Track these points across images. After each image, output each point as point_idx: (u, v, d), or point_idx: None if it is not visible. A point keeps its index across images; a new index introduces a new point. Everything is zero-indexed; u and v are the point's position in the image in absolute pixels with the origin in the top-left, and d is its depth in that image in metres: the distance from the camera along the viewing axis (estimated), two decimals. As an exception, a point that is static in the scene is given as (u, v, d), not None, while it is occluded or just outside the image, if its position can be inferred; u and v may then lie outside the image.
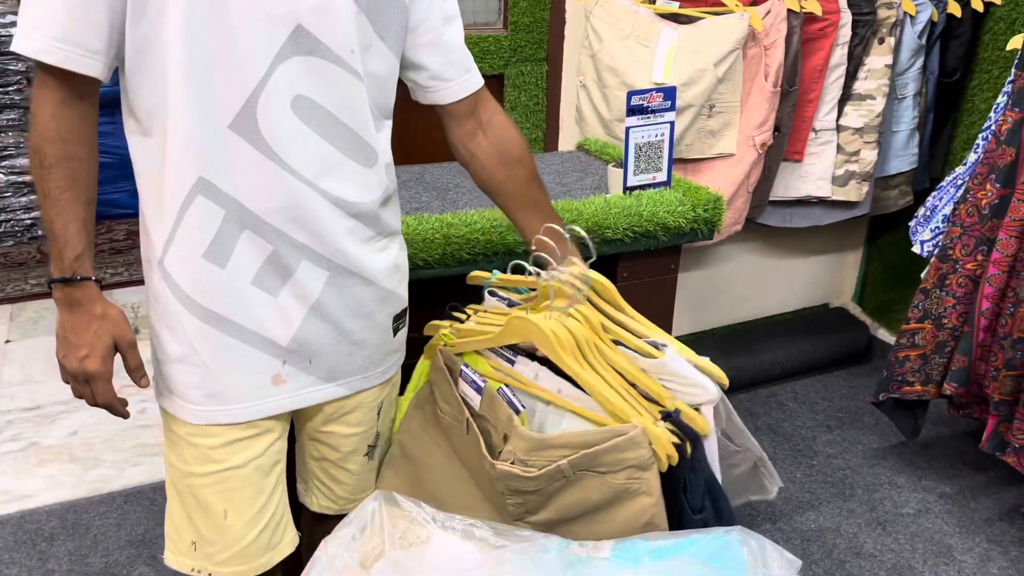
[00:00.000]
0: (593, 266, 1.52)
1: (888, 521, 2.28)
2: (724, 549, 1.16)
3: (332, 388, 1.30)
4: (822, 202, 2.61)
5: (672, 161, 1.84)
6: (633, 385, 1.30)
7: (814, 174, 2.53)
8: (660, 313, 1.96)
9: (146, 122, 1.11)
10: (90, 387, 1.15)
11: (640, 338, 1.32)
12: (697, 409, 1.30)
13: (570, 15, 2.41)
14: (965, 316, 2.22)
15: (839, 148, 2.50)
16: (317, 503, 1.46)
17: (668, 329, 1.99)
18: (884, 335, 3.10)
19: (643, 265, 1.86)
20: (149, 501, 2.28)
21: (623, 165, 1.82)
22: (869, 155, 2.49)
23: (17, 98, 3.44)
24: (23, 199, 3.45)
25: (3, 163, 3.29)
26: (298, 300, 1.20)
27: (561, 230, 1.36)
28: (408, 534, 1.18)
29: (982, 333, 2.19)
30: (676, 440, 1.24)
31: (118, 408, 1.19)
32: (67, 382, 1.16)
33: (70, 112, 1.08)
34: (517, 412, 1.31)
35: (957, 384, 2.23)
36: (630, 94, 1.75)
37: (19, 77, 3.32)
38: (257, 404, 1.24)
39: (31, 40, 1.04)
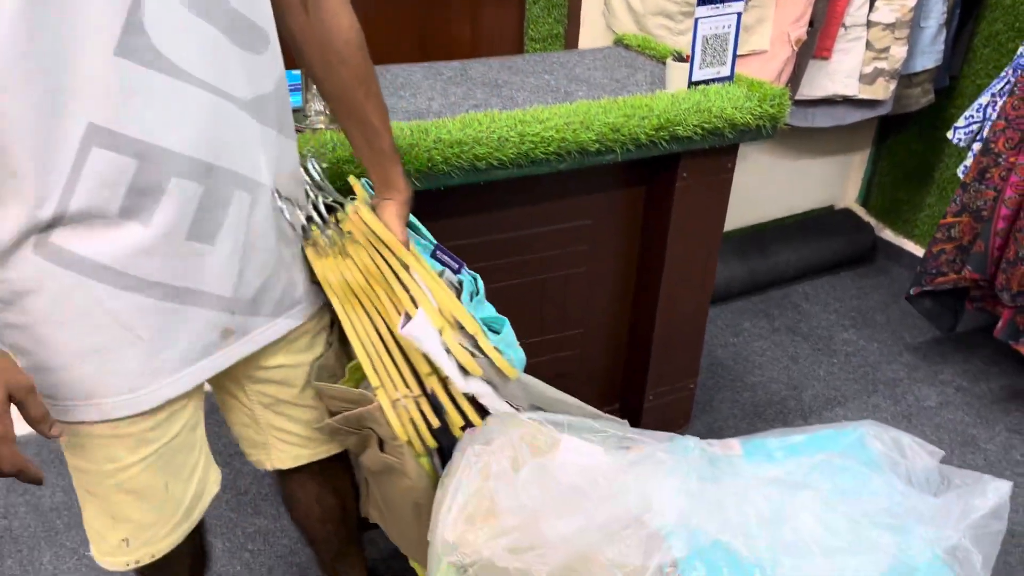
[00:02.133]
0: (652, 163, 1.47)
1: (912, 415, 2.35)
2: (857, 443, 1.16)
3: (283, 322, 1.17)
4: (846, 100, 2.58)
5: (736, 55, 1.77)
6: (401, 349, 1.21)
7: (842, 71, 2.49)
8: (714, 214, 1.93)
9: None
10: None
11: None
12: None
13: (596, -100, 2.29)
14: (999, 208, 2.24)
15: (868, 44, 2.46)
16: (287, 457, 1.32)
17: (721, 225, 1.97)
18: (889, 236, 3.14)
19: (703, 164, 1.81)
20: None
21: (686, 59, 1.74)
22: (899, 51, 2.46)
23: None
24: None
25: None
26: (235, 240, 1.04)
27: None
28: (537, 440, 1.15)
29: (1001, 222, 2.22)
30: (433, 422, 1.21)
31: (30, 472, 0.92)
32: None
33: None
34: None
35: (973, 269, 2.27)
36: (700, -18, 1.66)
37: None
38: (208, 363, 1.09)
39: None
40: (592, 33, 2.50)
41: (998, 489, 1.00)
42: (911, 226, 3.03)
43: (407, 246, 1.18)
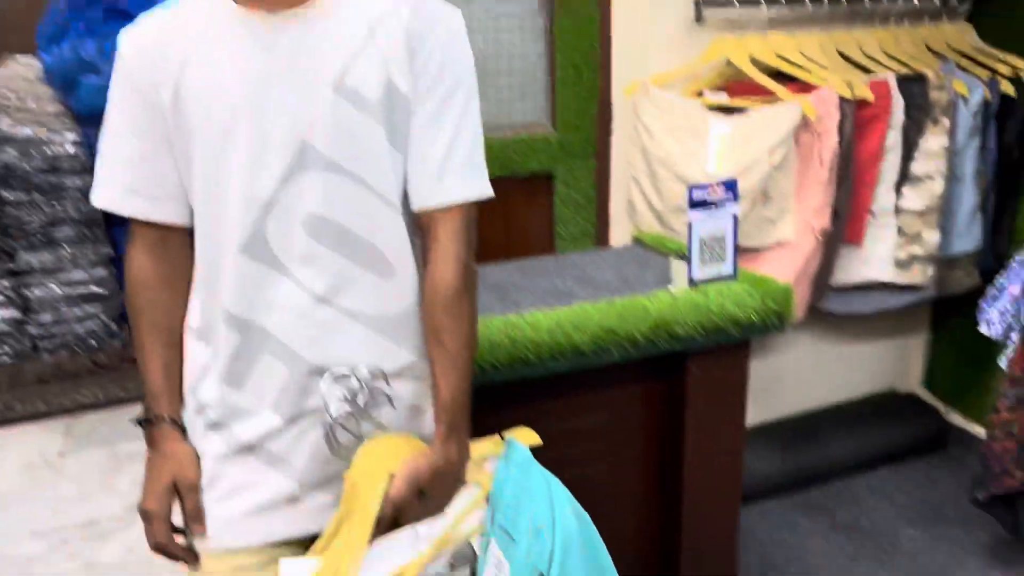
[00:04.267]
0: (663, 360, 1.40)
1: (987, 625, 2.12)
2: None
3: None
4: (886, 286, 2.54)
5: (736, 253, 1.80)
6: None
7: (875, 257, 2.46)
8: (733, 411, 1.89)
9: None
10: (147, 526, 1.13)
11: None
12: None
13: (617, 110, 2.42)
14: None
15: (900, 231, 2.44)
16: None
17: (742, 424, 1.91)
18: (958, 420, 2.96)
19: (713, 361, 1.80)
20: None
21: (686, 258, 1.78)
22: (931, 236, 2.43)
23: (74, 214, 3.52)
24: (76, 310, 3.50)
25: (60, 275, 3.35)
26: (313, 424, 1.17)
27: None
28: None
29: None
30: None
31: (171, 551, 1.14)
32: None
33: (150, 259, 1.16)
34: None
35: (1049, 473, 2.10)
36: (691, 188, 1.72)
37: (77, 192, 3.41)
38: (269, 526, 1.19)
39: (105, 191, 1.14)
40: (621, 232, 2.58)
41: None
42: (981, 410, 2.86)
43: (392, 507, 1.11)
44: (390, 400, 1.20)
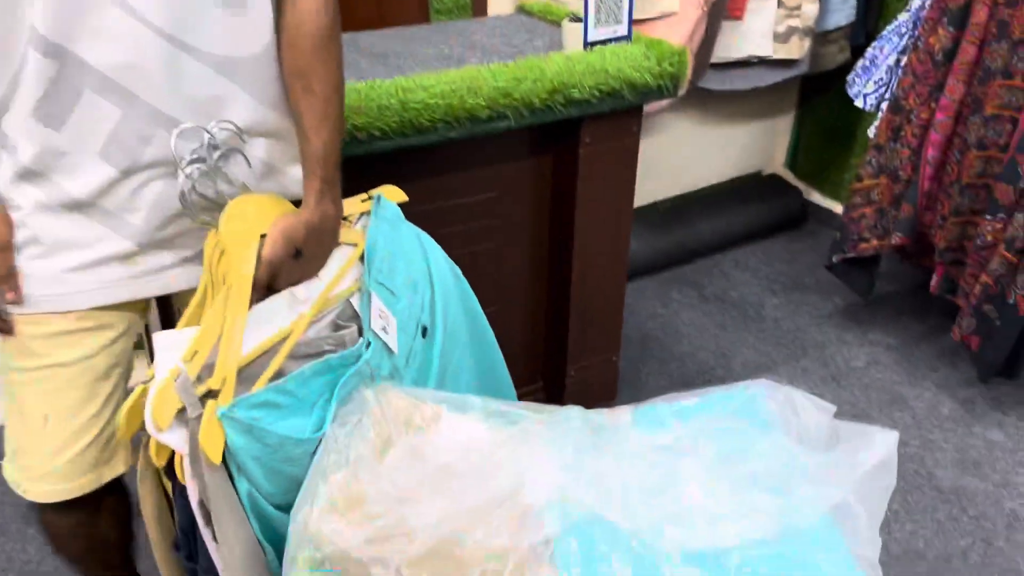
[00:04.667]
0: (554, 129, 1.35)
1: (841, 376, 2.32)
2: (749, 403, 1.11)
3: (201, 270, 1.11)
4: (762, 62, 2.54)
5: (632, 12, 1.71)
6: None
7: (755, 31, 2.44)
8: (623, 180, 1.87)
9: None
10: None
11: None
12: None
13: None
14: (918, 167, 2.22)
15: (780, 3, 2.42)
16: None
17: (631, 197, 1.91)
18: (817, 198, 3.12)
19: (606, 128, 1.76)
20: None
21: (581, 20, 1.68)
22: (810, 8, 2.42)
23: None
24: None
25: None
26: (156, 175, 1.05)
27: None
28: (414, 418, 1.07)
29: (927, 182, 2.20)
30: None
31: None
32: None
33: None
34: None
35: (903, 234, 2.25)
36: (588, -64, 1.59)
37: None
38: (100, 290, 1.08)
39: None
40: (500, 2, 2.43)
41: (885, 441, 0.95)
42: (839, 188, 3.01)
43: (267, 269, 1.03)
44: (246, 158, 1.08)
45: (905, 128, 2.20)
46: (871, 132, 2.31)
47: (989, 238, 2.07)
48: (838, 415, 1.02)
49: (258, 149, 1.11)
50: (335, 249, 1.12)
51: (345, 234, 1.14)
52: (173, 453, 0.99)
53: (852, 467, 0.94)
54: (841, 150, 2.95)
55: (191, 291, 1.10)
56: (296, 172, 1.14)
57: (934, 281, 2.32)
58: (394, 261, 1.16)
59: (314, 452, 0.99)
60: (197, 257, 1.12)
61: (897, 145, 2.22)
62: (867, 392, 2.25)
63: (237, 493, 0.96)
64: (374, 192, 1.22)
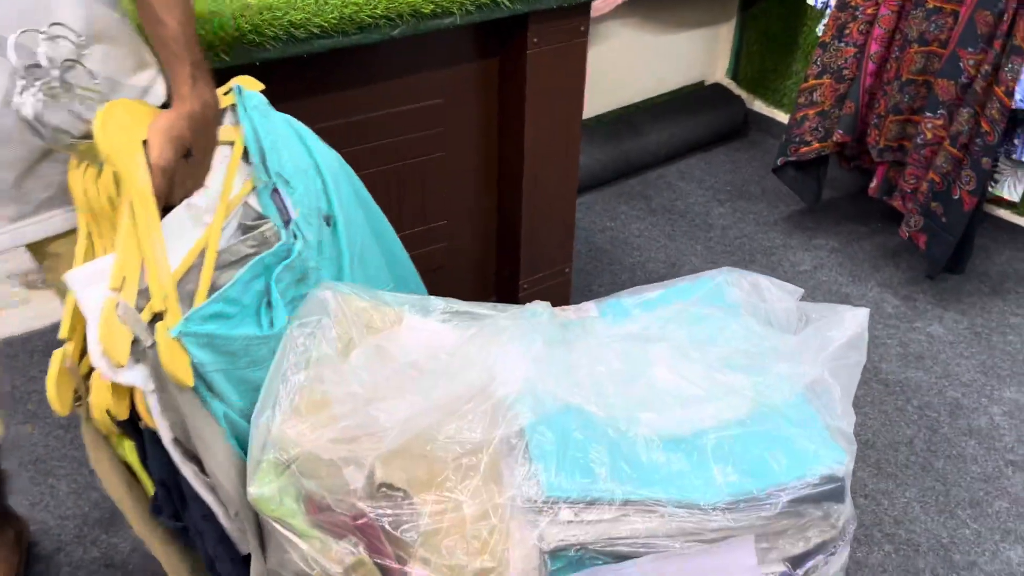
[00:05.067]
0: (500, 31, 1.25)
1: (789, 279, 2.29)
2: (715, 291, 1.10)
3: (30, 228, 1.00)
4: (705, -35, 2.49)
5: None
6: None
7: (698, -68, 2.38)
8: (572, 83, 1.82)
9: None
10: None
11: None
12: None
13: None
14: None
15: (723, -99, 2.35)
16: None
17: (580, 102, 1.86)
18: (761, 107, 3.11)
19: (554, 27, 1.69)
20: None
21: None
22: (754, -93, 2.36)
23: None
24: None
25: None
26: None
27: None
28: (375, 320, 1.03)
29: (869, 78, 2.20)
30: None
31: None
32: None
33: None
34: None
35: (844, 131, 2.26)
36: None
37: None
38: None
39: None
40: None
41: (855, 318, 0.95)
42: (781, 95, 3.00)
43: (163, 175, 0.94)
44: (88, 71, 0.96)
45: (850, 25, 2.18)
46: (819, 29, 2.30)
47: (929, 135, 2.09)
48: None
49: (96, 60, 0.97)
50: (216, 151, 1.03)
51: (220, 134, 1.05)
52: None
53: (823, 345, 0.94)
54: (783, 57, 2.93)
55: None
56: (142, 80, 1.03)
57: (873, 184, 2.35)
58: (279, 151, 1.09)
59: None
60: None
61: (842, 43, 2.21)
62: (813, 294, 2.29)
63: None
64: (231, 83, 1.11)
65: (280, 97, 1.51)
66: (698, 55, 3.07)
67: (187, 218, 0.97)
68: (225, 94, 1.10)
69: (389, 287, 1.15)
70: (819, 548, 0.88)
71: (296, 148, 1.12)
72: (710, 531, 0.84)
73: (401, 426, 0.86)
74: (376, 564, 0.82)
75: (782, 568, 0.87)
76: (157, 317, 0.89)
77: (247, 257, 0.96)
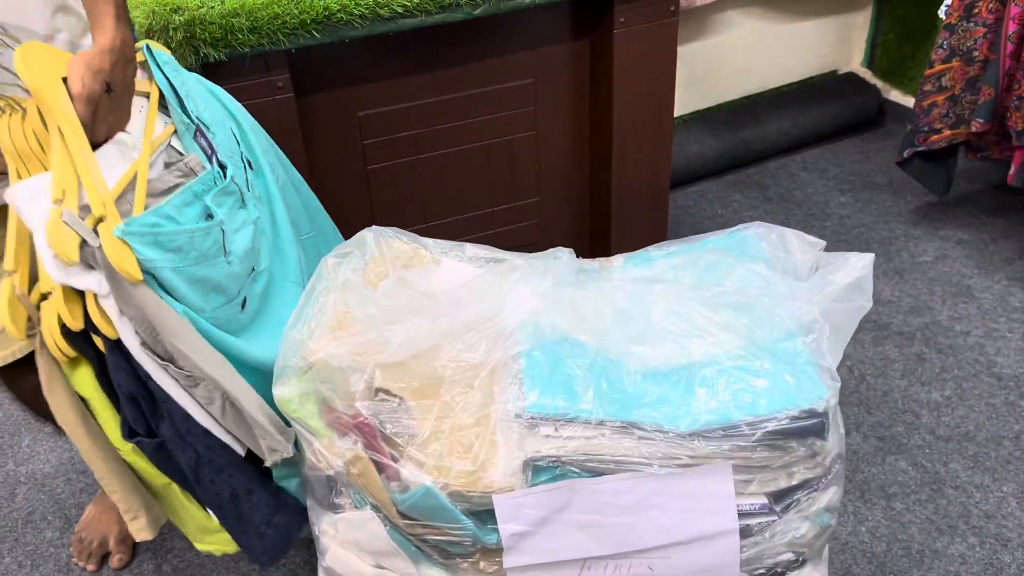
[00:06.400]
0: (589, 12, 1.28)
1: (905, 270, 2.25)
2: (741, 243, 1.11)
3: None
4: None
5: None
6: None
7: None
8: (663, 63, 1.85)
9: None
10: None
11: None
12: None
13: None
14: (996, 46, 2.09)
15: None
16: None
17: (672, 82, 1.89)
18: (897, 96, 2.97)
19: (641, 8, 1.73)
20: None
21: None
22: None
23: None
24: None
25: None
26: None
27: None
28: (413, 261, 1.13)
29: (1008, 60, 2.07)
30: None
31: None
32: None
33: None
34: None
35: (983, 120, 2.13)
36: None
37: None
38: None
39: None
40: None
41: (860, 262, 0.94)
42: (917, 84, 2.85)
43: (87, 104, 0.96)
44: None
45: (979, 4, 2.07)
46: (942, 12, 2.19)
47: (1069, 117, 1.94)
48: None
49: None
50: (134, 101, 1.06)
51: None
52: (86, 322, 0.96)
53: (823, 287, 0.94)
54: (920, 45, 2.79)
55: None
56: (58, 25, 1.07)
57: (1012, 171, 2.20)
58: (195, 99, 1.13)
59: (223, 244, 1.00)
60: None
61: (970, 24, 2.10)
62: (931, 285, 2.17)
63: None
64: (140, 43, 1.14)
65: (373, 76, 1.64)
66: (831, 44, 2.97)
67: (115, 151, 1.00)
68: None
69: (311, 234, 1.22)
70: (803, 485, 0.89)
71: (208, 99, 1.17)
72: (687, 456, 0.87)
73: (408, 343, 0.95)
74: (372, 460, 0.91)
75: (762, 500, 0.88)
76: (101, 221, 0.92)
77: (176, 187, 1.00)
